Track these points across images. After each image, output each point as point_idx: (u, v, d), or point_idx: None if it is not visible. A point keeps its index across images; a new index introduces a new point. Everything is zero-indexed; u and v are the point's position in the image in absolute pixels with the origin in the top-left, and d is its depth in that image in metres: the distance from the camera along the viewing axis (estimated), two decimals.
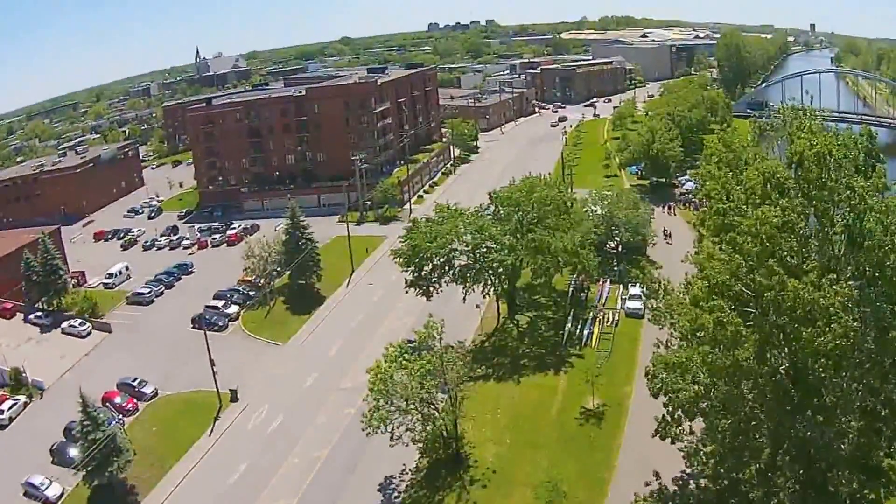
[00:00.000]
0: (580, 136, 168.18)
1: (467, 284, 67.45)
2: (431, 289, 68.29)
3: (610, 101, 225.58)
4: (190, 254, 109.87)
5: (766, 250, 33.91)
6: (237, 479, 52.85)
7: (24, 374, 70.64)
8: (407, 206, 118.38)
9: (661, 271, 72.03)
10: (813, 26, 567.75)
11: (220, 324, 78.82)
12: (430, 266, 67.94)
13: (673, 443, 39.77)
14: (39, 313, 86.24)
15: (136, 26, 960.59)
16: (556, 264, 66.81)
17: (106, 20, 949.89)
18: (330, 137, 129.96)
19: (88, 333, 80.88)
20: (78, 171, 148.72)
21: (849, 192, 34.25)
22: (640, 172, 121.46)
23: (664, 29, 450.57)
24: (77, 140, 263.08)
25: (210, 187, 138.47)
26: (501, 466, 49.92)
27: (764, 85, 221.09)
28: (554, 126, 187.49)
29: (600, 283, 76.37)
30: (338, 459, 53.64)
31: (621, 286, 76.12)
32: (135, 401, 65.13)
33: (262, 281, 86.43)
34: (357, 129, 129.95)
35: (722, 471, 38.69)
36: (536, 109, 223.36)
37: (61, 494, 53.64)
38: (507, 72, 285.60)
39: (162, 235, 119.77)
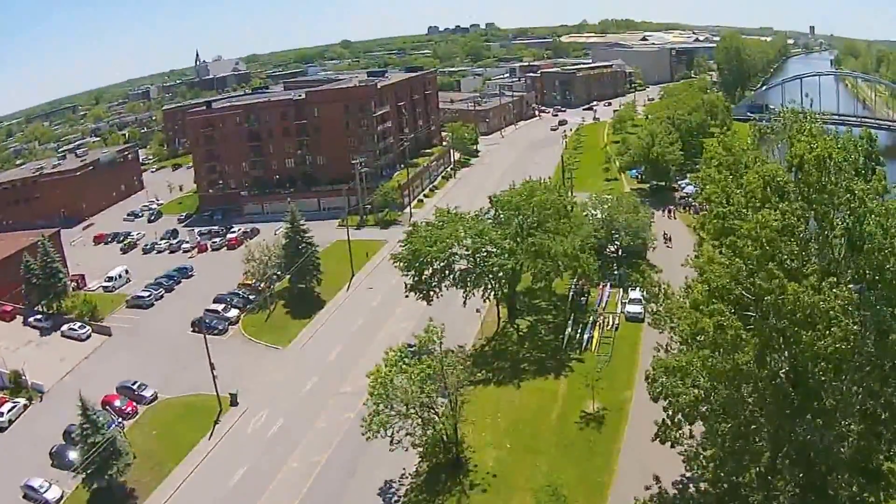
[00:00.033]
0: (580, 140, 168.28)
1: (467, 289, 67.37)
2: (431, 293, 68.20)
3: (610, 104, 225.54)
4: (190, 257, 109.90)
5: (766, 254, 33.93)
6: (236, 483, 52.77)
7: (23, 377, 70.65)
8: (407, 210, 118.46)
9: (661, 275, 71.81)
10: (812, 28, 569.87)
11: (220, 327, 78.81)
12: (431, 270, 67.84)
13: (673, 447, 39.79)
14: (39, 316, 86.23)
15: (135, 29, 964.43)
16: (556, 268, 66.83)
17: (105, 23, 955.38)
18: (330, 141, 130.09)
19: (88, 337, 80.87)
20: (78, 174, 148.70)
21: (849, 195, 34.30)
22: (640, 176, 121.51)
23: (664, 32, 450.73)
24: (76, 143, 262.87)
25: (210, 191, 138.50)
26: (501, 471, 49.85)
27: (764, 88, 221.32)
28: (554, 130, 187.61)
29: (600, 287, 76.41)
30: (337, 464, 53.58)
31: (621, 290, 76.11)
32: (134, 404, 65.13)
33: (262, 285, 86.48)
34: (357, 133, 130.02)
35: (722, 474, 38.67)
36: (536, 113, 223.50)
37: (60, 497, 53.60)
38: (507, 75, 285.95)
39: (162, 239, 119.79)
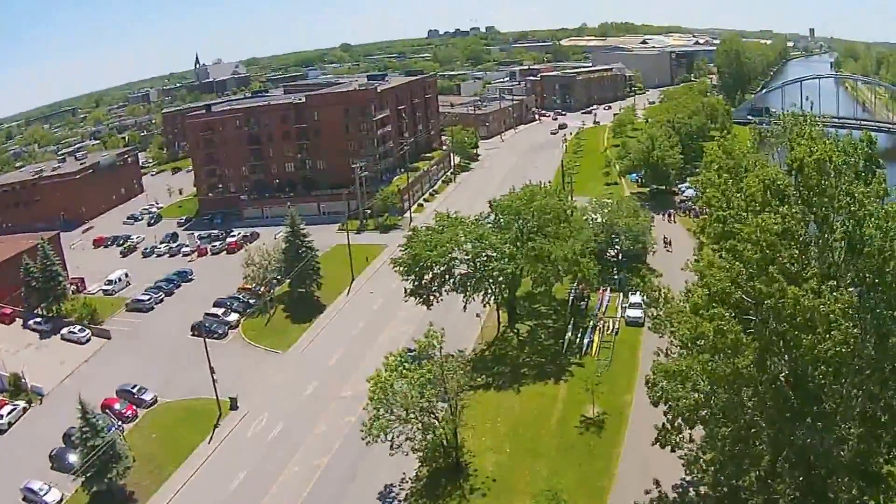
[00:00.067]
0: (580, 144, 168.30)
1: (467, 293, 67.33)
2: (432, 297, 68.18)
3: (610, 108, 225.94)
4: (189, 261, 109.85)
5: (767, 257, 33.93)
6: (237, 487, 52.73)
7: (23, 380, 70.67)
8: (407, 214, 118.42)
9: (661, 279, 71.62)
10: (812, 31, 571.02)
11: (220, 331, 78.80)
12: (431, 275, 67.82)
13: (673, 451, 39.72)
14: (39, 319, 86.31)
15: (135, 32, 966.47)
16: (556, 273, 66.78)
17: (105, 26, 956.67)
18: (330, 145, 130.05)
19: (88, 340, 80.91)
20: (77, 176, 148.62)
21: (849, 198, 34.26)
22: (640, 180, 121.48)
23: (664, 35, 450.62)
24: (76, 146, 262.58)
25: (210, 194, 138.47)
26: (501, 475, 49.80)
27: (764, 91, 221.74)
28: (554, 133, 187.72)
29: (600, 291, 76.37)
30: (338, 468, 53.53)
31: (621, 294, 76.04)
32: (134, 407, 65.10)
33: (262, 289, 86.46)
34: (357, 137, 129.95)
35: (722, 478, 38.62)
36: (536, 117, 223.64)
37: (60, 500, 53.62)
38: (507, 79, 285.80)
39: (161, 242, 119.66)
